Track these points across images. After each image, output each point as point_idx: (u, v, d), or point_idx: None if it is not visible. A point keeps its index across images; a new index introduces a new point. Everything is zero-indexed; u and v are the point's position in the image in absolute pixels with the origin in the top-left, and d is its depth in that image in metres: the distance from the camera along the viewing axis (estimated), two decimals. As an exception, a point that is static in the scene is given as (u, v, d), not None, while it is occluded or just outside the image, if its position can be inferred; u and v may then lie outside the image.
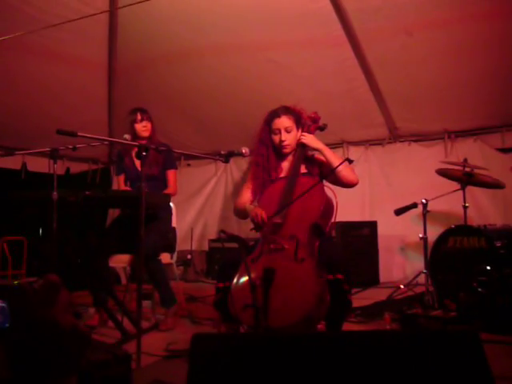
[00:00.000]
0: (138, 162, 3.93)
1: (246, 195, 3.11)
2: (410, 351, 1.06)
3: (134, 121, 3.94)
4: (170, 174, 4.00)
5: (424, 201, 4.33)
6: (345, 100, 5.62)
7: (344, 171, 2.92)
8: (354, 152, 6.38)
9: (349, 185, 2.98)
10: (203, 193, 7.20)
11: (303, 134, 3.04)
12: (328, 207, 2.84)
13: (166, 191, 3.87)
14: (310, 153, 3.17)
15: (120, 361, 1.72)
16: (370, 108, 5.73)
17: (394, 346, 1.09)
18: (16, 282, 0.74)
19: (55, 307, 0.72)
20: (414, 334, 1.13)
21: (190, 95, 5.98)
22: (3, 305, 0.77)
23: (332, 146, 6.32)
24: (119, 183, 4.14)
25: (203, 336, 1.13)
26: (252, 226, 2.80)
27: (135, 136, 3.89)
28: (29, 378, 0.71)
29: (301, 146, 3.02)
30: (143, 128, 3.93)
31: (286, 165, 3.13)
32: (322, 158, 3.09)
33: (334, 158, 2.95)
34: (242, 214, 3.04)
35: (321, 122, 3.19)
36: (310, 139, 3.02)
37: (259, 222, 2.74)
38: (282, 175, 3.06)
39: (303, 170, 3.04)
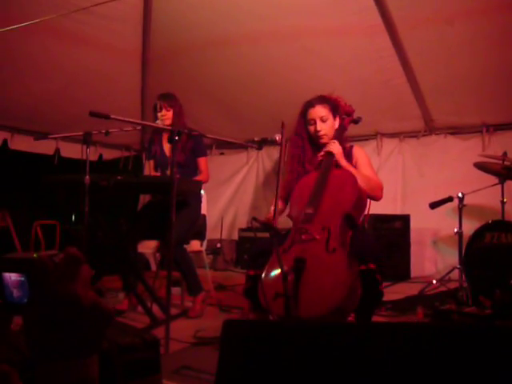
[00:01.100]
0: (166, 148, 3.95)
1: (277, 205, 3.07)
2: (453, 347, 1.01)
3: (155, 108, 3.92)
4: (202, 161, 3.97)
5: (460, 194, 4.22)
6: (380, 90, 5.52)
7: (368, 187, 2.83)
8: (387, 144, 6.29)
9: (372, 199, 2.92)
10: (234, 181, 7.17)
11: (332, 141, 2.94)
12: (361, 199, 2.78)
13: (198, 178, 3.86)
14: (348, 144, 3.10)
15: (149, 345, 1.71)
16: (407, 99, 5.61)
17: (434, 341, 1.04)
18: (35, 255, 0.71)
19: (76, 282, 0.69)
20: (457, 328, 1.08)
21: (223, 83, 5.95)
22: (22, 279, 0.74)
23: (366, 137, 6.25)
24: (150, 168, 4.14)
25: (235, 322, 1.10)
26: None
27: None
28: (47, 356, 0.68)
29: (328, 154, 2.92)
30: (162, 117, 3.86)
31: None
32: (357, 153, 3.04)
33: (359, 177, 2.84)
34: None
35: (355, 115, 3.12)
36: (337, 151, 2.90)
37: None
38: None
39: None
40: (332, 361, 1.04)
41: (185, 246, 3.80)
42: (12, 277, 0.73)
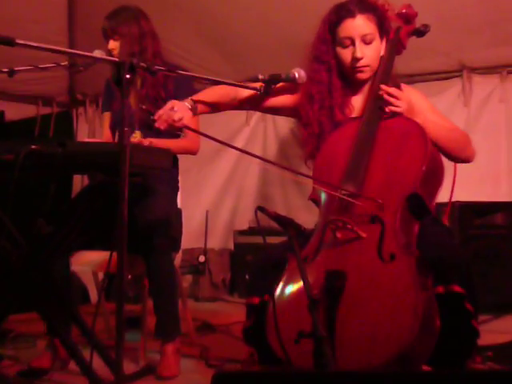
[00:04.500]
0: (132, 98, 3.97)
1: None
2: None
3: (104, 34, 3.98)
4: None
5: None
6: (467, -1, 5.50)
7: (451, 142, 2.88)
8: (480, 85, 6.24)
9: (459, 161, 2.99)
10: (227, 154, 7.11)
11: (395, 89, 2.87)
12: (434, 166, 2.76)
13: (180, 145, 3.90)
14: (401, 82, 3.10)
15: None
16: (510, 12, 5.58)
17: None
18: None
19: None
20: None
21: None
22: None
23: (443, 74, 6.22)
24: (104, 124, 4.24)
25: (228, 376, 1.11)
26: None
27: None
28: None
29: (378, 100, 2.87)
30: (113, 50, 3.95)
31: (358, 101, 3.07)
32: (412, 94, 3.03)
33: (437, 129, 2.87)
34: None
35: (418, 23, 3.08)
36: (405, 106, 2.83)
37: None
38: (354, 116, 3.01)
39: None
40: None
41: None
42: None
